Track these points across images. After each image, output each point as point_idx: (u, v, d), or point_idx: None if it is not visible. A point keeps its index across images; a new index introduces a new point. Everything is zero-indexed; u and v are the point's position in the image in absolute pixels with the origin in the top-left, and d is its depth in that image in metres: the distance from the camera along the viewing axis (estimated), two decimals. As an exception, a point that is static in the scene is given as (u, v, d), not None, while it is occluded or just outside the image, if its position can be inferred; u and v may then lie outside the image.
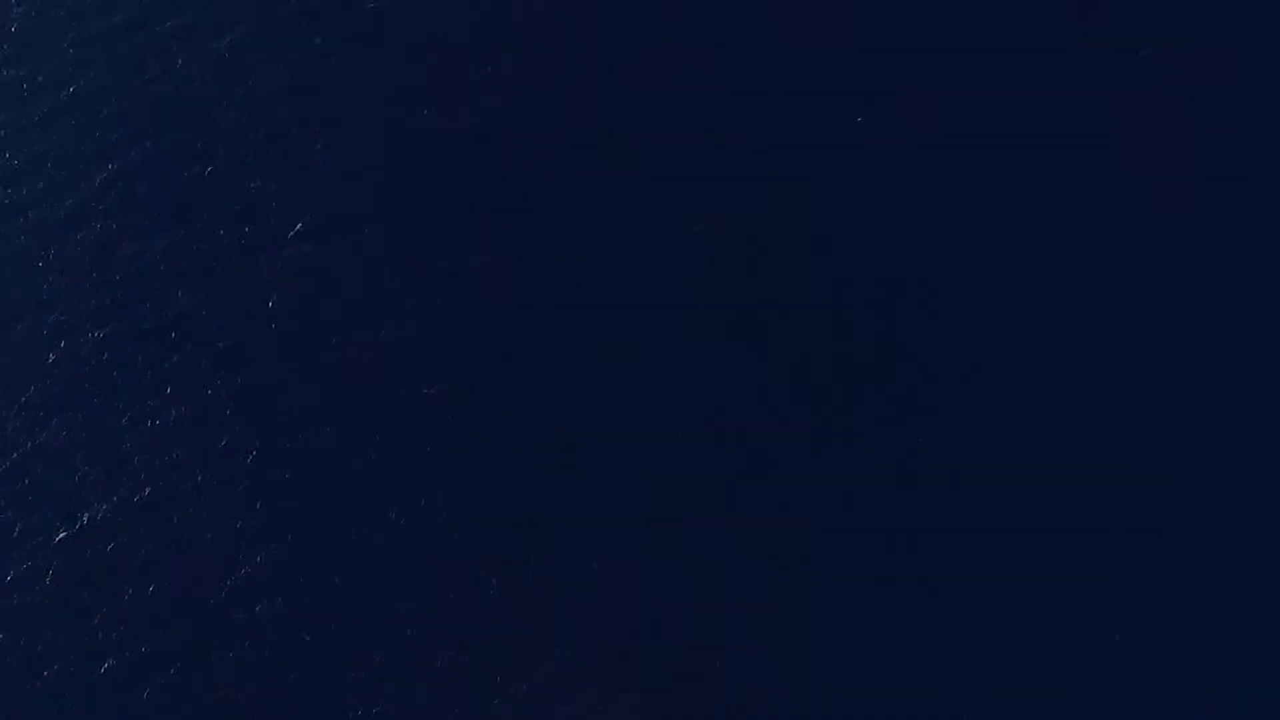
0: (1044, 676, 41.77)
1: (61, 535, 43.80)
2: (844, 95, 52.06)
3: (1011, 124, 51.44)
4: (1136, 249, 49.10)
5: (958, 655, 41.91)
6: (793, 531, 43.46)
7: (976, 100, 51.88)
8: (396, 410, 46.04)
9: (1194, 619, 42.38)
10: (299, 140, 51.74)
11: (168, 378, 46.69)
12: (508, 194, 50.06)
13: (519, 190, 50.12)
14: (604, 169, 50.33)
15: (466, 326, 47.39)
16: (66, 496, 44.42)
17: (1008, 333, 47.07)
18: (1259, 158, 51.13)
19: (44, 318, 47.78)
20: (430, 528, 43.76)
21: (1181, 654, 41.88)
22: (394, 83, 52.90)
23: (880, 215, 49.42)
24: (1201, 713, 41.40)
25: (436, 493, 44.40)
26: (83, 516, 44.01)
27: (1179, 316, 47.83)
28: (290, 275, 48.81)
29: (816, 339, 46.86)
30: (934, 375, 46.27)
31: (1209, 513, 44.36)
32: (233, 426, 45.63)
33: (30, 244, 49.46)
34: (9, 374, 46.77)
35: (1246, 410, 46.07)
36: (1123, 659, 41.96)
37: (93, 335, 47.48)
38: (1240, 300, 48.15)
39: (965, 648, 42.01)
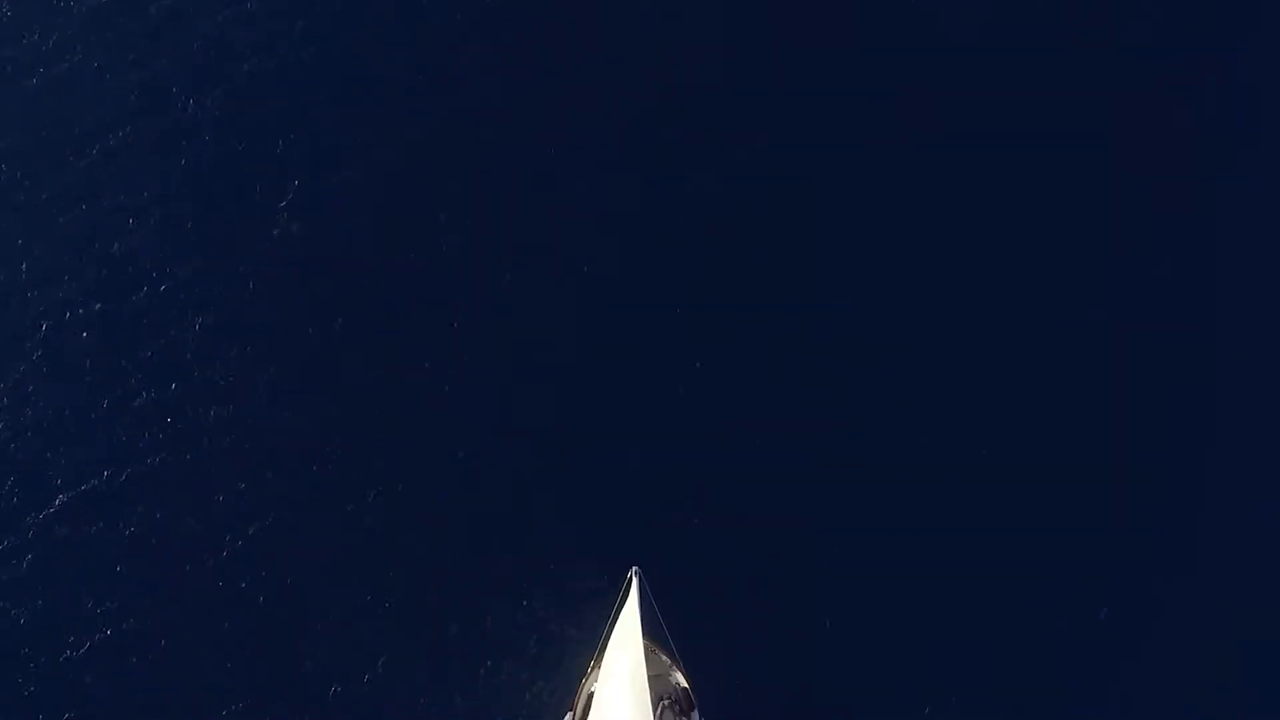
0: (1044, 676, 42.04)
1: (43, 515, 43.77)
2: (843, 95, 52.12)
3: (1011, 123, 51.42)
4: (1135, 246, 49.28)
5: (958, 655, 42.03)
6: (792, 531, 43.65)
7: (974, 99, 51.99)
8: (392, 402, 46.19)
9: (1194, 619, 42.56)
10: (290, 121, 51.28)
11: (153, 358, 46.62)
12: (505, 188, 49.72)
13: (516, 184, 49.73)
14: (604, 167, 49.94)
15: (463, 322, 47.34)
16: (51, 477, 44.30)
17: (1008, 332, 47.00)
18: (1260, 154, 51.29)
19: (29, 297, 47.57)
20: (427, 523, 43.87)
21: (1182, 654, 42.02)
22: (390, 70, 52.38)
23: (880, 215, 49.27)
24: (1202, 713, 41.62)
25: (432, 487, 44.72)
26: (66, 497, 43.96)
27: (1178, 315, 47.75)
28: (281, 258, 48.44)
29: (818, 338, 46.83)
30: (934, 374, 46.41)
31: (1209, 513, 44.41)
32: (218, 408, 45.65)
33: (17, 223, 49.05)
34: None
35: (1246, 410, 46.30)
36: (1122, 658, 42.14)
37: (78, 315, 47.34)
38: (1239, 299, 48.44)
39: (965, 648, 42.12)
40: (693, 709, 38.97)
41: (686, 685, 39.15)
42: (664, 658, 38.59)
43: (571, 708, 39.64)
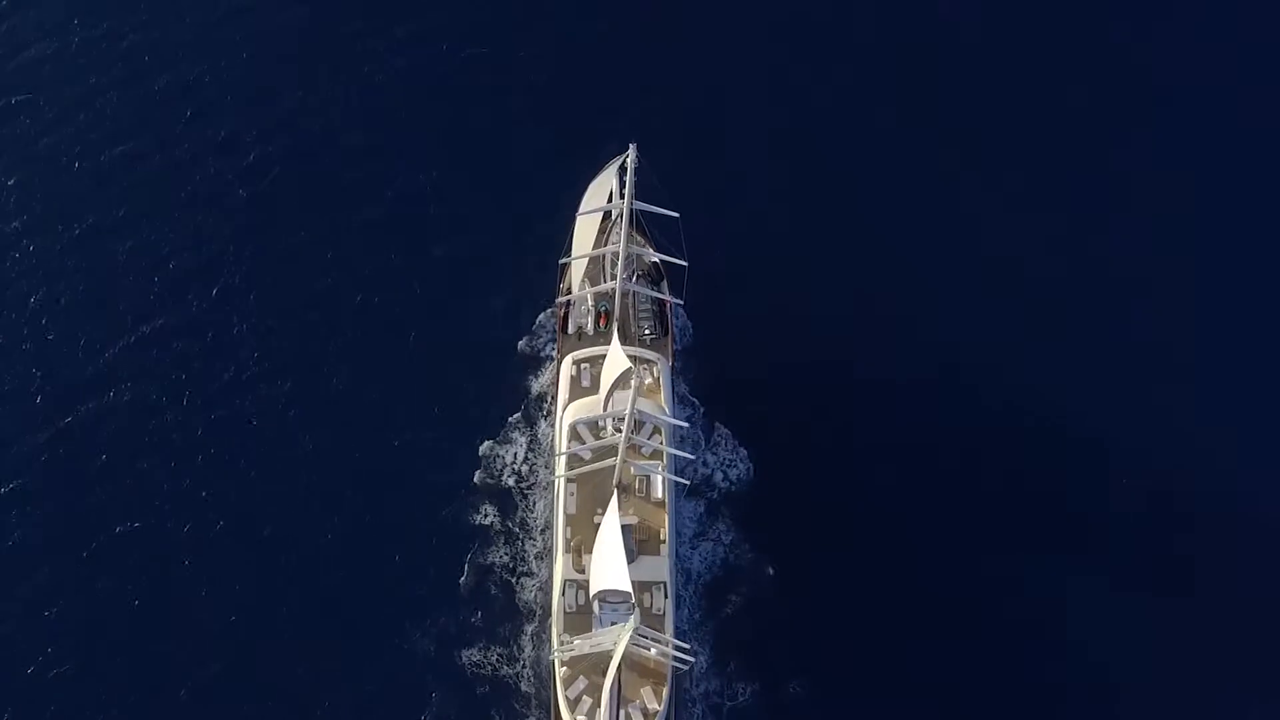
0: (1043, 677, 42.38)
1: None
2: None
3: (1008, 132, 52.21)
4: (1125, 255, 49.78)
5: (960, 655, 42.31)
6: (795, 538, 43.75)
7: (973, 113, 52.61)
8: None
9: (1192, 619, 42.92)
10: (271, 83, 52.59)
11: (139, 292, 47.92)
12: (497, 171, 50.56)
13: (507, 162, 50.65)
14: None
15: (455, 311, 47.79)
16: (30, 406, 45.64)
17: (1008, 337, 47.58)
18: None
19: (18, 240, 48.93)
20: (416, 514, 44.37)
21: (1176, 654, 42.40)
22: (400, 49, 53.40)
23: (870, 233, 49.76)
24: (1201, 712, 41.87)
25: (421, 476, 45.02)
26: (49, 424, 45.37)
27: (1172, 322, 48.47)
28: (262, 210, 49.67)
29: (820, 340, 47.20)
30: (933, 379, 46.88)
31: (1208, 517, 44.81)
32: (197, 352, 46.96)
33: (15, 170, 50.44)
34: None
35: (1244, 414, 46.67)
36: (1118, 664, 42.43)
37: (68, 261, 48.61)
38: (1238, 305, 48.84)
39: (969, 646, 42.46)
40: (662, 279, 44.66)
41: (657, 260, 43.19)
42: (639, 237, 42.60)
43: (560, 278, 44.39)
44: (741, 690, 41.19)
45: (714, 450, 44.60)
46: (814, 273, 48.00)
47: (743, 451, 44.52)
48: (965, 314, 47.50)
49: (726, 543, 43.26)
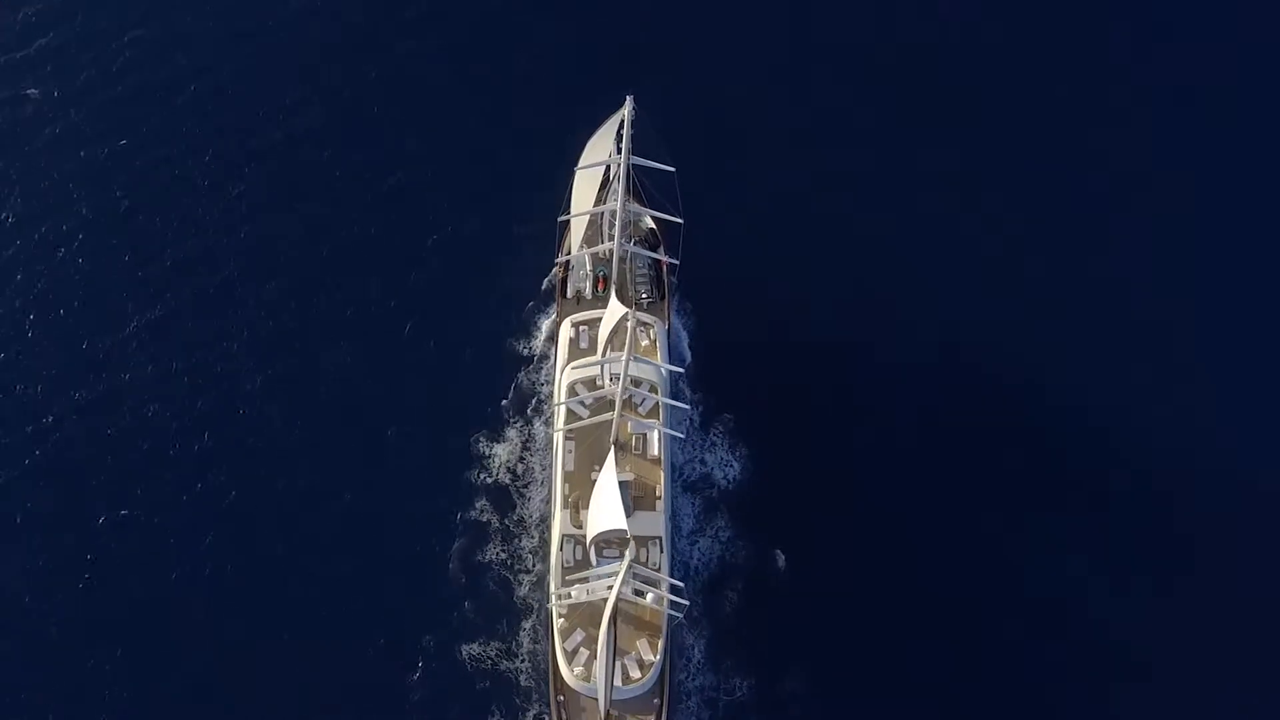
0: (1045, 677, 42.39)
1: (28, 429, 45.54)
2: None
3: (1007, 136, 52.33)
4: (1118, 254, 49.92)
5: (961, 657, 42.36)
6: (793, 535, 43.93)
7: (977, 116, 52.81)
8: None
9: (1193, 619, 42.87)
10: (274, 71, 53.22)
11: (138, 281, 48.37)
12: (498, 169, 51.02)
13: (511, 160, 51.13)
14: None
15: (452, 306, 47.99)
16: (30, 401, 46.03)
17: (1007, 337, 47.71)
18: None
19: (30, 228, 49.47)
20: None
21: (1181, 654, 42.35)
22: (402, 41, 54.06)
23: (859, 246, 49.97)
24: (1201, 711, 41.81)
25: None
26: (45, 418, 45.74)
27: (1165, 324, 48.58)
28: (259, 205, 50.13)
29: (820, 343, 47.29)
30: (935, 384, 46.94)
31: (1208, 517, 44.89)
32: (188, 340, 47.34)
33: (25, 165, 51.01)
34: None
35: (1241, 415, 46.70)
36: (1124, 662, 42.45)
37: (71, 247, 49.06)
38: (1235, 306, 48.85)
39: (971, 648, 42.49)
40: (659, 244, 45.30)
41: (653, 226, 44.77)
42: (635, 204, 43.07)
43: (560, 239, 44.71)
44: (738, 685, 41.31)
45: (712, 449, 44.81)
46: (813, 264, 48.28)
47: (741, 449, 44.66)
48: (966, 309, 47.69)
49: (724, 540, 43.46)
